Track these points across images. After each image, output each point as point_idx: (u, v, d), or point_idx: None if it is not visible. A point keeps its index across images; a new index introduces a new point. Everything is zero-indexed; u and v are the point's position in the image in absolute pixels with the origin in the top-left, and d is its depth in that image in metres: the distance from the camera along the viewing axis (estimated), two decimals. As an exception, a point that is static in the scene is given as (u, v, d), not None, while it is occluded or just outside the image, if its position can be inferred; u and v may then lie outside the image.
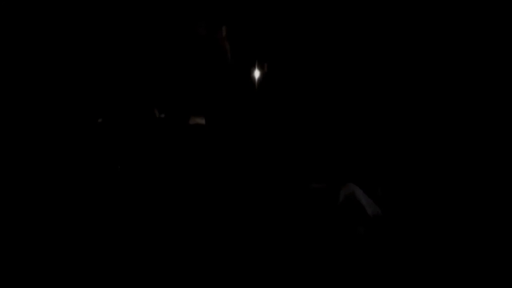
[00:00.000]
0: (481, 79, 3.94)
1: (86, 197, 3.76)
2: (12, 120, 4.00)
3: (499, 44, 3.95)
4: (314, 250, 3.35)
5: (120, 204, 3.76)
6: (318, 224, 3.41)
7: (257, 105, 4.37)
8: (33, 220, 3.66)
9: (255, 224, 3.64)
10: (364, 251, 3.27)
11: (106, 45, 4.27)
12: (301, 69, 4.35)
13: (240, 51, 4.46)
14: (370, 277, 3.22)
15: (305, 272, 3.30)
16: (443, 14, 4.11)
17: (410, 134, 4.00)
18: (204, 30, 4.43)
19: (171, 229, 3.65)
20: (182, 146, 4.15)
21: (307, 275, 3.29)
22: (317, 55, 4.31)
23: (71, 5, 4.25)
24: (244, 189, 3.93)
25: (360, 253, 3.27)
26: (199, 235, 3.64)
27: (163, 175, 3.98)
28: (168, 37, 4.41)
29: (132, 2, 4.37)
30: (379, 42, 4.21)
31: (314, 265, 3.31)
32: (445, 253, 3.35)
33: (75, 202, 3.73)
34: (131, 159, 4.02)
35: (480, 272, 3.23)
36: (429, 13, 4.15)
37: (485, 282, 3.21)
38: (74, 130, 4.09)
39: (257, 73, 4.42)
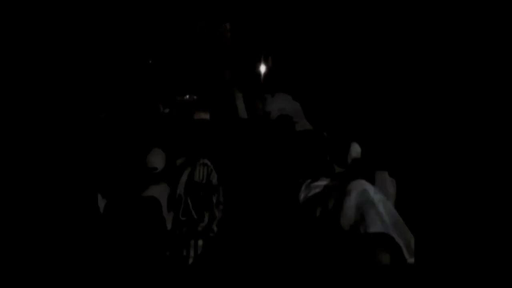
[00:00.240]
0: (481, 79, 3.91)
1: (86, 195, 3.72)
2: (12, 118, 3.99)
3: (499, 44, 3.92)
4: (322, 246, 3.32)
5: (121, 201, 3.71)
6: (326, 221, 3.37)
7: (262, 101, 4.38)
8: (33, 219, 3.62)
9: (260, 221, 3.62)
10: (375, 248, 3.22)
11: (110, 42, 4.35)
12: (305, 65, 4.39)
13: (242, 47, 4.51)
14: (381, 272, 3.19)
15: (310, 268, 3.28)
16: (443, 14, 4.10)
17: (417, 130, 3.98)
18: (207, 27, 4.50)
19: (172, 226, 3.63)
20: (187, 141, 4.12)
21: (317, 271, 3.28)
22: (322, 52, 4.39)
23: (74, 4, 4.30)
24: (249, 184, 3.90)
25: (372, 249, 3.21)
26: (203, 232, 3.62)
27: (167, 170, 3.94)
28: (172, 34, 4.47)
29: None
30: (379, 41, 4.25)
31: (322, 262, 3.29)
32: (451, 252, 3.32)
33: (75, 200, 3.70)
34: (133, 155, 3.96)
35: (483, 271, 3.20)
36: (428, 13, 4.14)
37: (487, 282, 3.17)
38: (76, 126, 4.07)
39: (261, 68, 4.41)
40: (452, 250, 3.33)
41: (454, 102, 3.93)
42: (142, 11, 4.49)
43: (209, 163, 3.90)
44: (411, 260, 3.21)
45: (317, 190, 3.53)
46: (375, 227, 3.18)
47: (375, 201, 3.27)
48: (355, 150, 3.69)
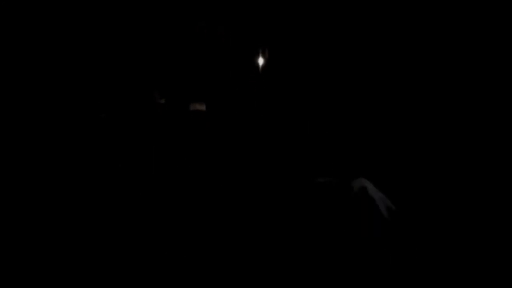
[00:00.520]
0: (481, 79, 3.93)
1: (87, 193, 3.73)
2: (12, 118, 3.98)
3: (498, 44, 3.95)
4: (324, 245, 3.29)
5: (121, 199, 3.72)
6: (327, 219, 3.34)
7: (263, 97, 4.35)
8: (33, 219, 3.62)
9: (260, 220, 3.58)
10: (377, 247, 3.19)
11: (106, 37, 4.30)
12: (307, 63, 4.36)
13: (240, 42, 4.45)
14: (380, 272, 3.16)
15: (314, 268, 3.25)
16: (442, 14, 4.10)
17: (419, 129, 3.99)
18: (203, 22, 4.44)
19: (173, 223, 3.60)
20: (183, 133, 4.12)
21: (316, 271, 3.24)
22: (324, 49, 4.35)
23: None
24: (247, 182, 3.88)
25: (373, 249, 3.19)
26: (201, 229, 3.58)
27: (165, 166, 3.95)
28: (167, 29, 4.42)
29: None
30: (380, 41, 4.21)
31: (323, 261, 3.25)
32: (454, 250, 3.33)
33: (76, 199, 3.70)
34: (133, 151, 3.97)
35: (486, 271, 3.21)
36: (428, 13, 4.14)
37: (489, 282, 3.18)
38: (76, 126, 4.05)
39: (260, 61, 4.37)
40: (451, 250, 3.33)
41: (451, 103, 3.95)
42: (142, 11, 4.42)
43: None
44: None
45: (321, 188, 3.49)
46: (376, 227, 3.17)
47: (375, 199, 3.24)
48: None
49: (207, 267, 3.40)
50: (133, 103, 4.24)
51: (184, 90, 4.42)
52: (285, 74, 4.40)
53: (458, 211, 3.52)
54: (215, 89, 4.42)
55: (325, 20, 4.36)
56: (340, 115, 4.21)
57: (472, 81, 3.96)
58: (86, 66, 4.27)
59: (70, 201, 3.74)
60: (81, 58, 4.26)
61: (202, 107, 4.18)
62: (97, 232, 3.57)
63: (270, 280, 3.28)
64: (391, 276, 3.15)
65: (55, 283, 3.30)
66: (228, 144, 4.17)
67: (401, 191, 3.59)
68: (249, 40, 4.44)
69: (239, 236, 3.56)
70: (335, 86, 4.30)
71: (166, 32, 4.45)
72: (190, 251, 3.50)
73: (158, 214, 3.70)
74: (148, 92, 4.31)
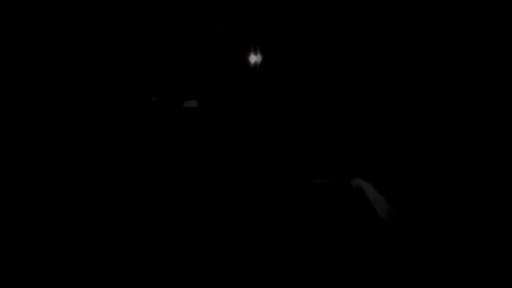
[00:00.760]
0: (480, 79, 3.94)
1: (86, 194, 3.73)
2: (13, 118, 3.97)
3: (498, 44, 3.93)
4: (320, 246, 3.26)
5: (120, 199, 3.72)
6: (325, 220, 3.30)
7: (260, 96, 4.30)
8: (33, 219, 3.63)
9: (257, 220, 3.56)
10: (373, 247, 3.17)
11: (109, 42, 4.26)
12: (304, 63, 4.34)
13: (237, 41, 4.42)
14: (378, 273, 3.13)
15: (311, 269, 3.23)
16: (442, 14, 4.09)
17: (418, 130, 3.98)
18: (207, 27, 4.42)
19: (173, 222, 3.60)
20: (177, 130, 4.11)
21: (313, 272, 3.22)
22: (320, 51, 4.33)
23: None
24: (242, 181, 3.85)
25: (369, 249, 3.16)
26: (198, 227, 3.57)
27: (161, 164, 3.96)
28: (162, 29, 4.38)
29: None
30: (379, 42, 4.23)
31: (319, 262, 3.23)
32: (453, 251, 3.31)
33: (75, 199, 3.73)
34: (131, 149, 3.99)
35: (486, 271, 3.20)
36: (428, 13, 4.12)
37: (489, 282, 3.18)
38: (76, 126, 4.02)
39: (256, 60, 4.35)
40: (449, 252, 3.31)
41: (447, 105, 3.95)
42: (141, 11, 4.39)
43: None
44: None
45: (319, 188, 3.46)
46: (375, 227, 3.16)
47: (371, 200, 3.22)
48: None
49: (204, 266, 3.37)
50: (129, 101, 4.21)
51: (178, 87, 4.39)
52: (282, 73, 4.39)
53: (456, 213, 3.53)
54: (209, 87, 4.40)
55: (322, 21, 4.35)
56: (338, 115, 4.19)
57: (466, 85, 3.94)
58: (83, 66, 4.26)
59: (70, 199, 3.77)
60: (77, 58, 4.27)
61: (193, 104, 4.16)
62: (96, 230, 3.58)
63: (270, 280, 3.26)
64: (391, 276, 3.12)
65: (55, 283, 3.29)
66: (222, 142, 4.14)
67: (399, 191, 3.59)
68: (246, 40, 4.43)
69: (236, 235, 3.54)
70: (333, 86, 4.29)
71: (163, 32, 4.43)
72: (188, 250, 3.48)
73: (157, 212, 3.71)
74: (142, 90, 4.30)
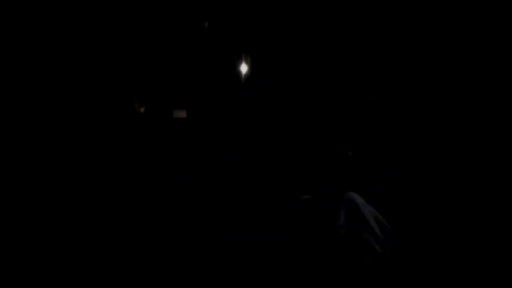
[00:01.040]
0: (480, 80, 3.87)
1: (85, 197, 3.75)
2: (13, 119, 3.94)
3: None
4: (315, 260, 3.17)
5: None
6: (316, 235, 3.22)
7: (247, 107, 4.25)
8: (33, 219, 3.65)
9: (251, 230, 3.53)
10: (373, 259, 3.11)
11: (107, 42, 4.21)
12: (294, 71, 4.29)
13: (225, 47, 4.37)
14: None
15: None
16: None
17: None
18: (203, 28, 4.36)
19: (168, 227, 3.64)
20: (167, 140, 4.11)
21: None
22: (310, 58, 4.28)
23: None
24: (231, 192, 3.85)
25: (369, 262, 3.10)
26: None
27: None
28: (154, 33, 4.32)
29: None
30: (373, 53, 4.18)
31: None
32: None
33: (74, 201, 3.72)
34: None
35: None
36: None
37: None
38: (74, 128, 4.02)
39: (244, 69, 4.27)
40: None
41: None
42: (141, 12, 4.31)
43: None
44: None
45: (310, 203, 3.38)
46: (370, 242, 3.11)
47: (365, 213, 3.18)
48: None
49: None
50: (115, 110, 4.14)
51: (166, 97, 4.31)
52: (272, 83, 4.31)
53: (451, 226, 3.46)
54: (198, 97, 4.32)
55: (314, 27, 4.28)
56: (329, 127, 4.14)
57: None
58: (85, 68, 4.17)
59: (68, 201, 3.77)
60: (79, 58, 4.17)
61: (183, 114, 4.13)
62: (93, 232, 3.60)
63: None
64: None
65: (55, 283, 3.28)
66: (212, 154, 4.08)
67: (394, 206, 3.51)
68: (234, 47, 4.37)
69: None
70: (324, 97, 4.23)
71: (150, 39, 4.35)
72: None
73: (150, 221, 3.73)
74: (129, 100, 4.22)
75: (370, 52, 4.22)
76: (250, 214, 3.73)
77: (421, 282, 3.14)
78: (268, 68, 4.32)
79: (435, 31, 4.01)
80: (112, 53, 4.20)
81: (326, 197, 3.30)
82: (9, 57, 4.02)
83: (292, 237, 3.20)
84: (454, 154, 3.82)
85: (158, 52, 4.33)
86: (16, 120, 3.97)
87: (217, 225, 3.74)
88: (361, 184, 3.59)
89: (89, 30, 4.15)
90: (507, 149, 3.72)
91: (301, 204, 3.32)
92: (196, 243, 3.56)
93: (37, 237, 3.60)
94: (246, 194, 3.89)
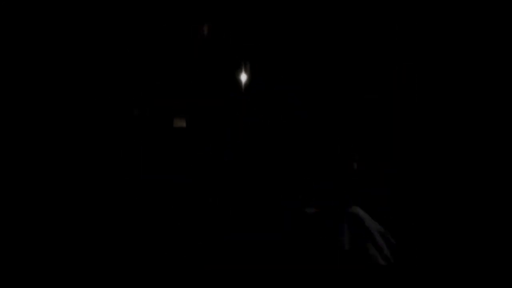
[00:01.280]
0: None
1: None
2: (13, 120, 3.94)
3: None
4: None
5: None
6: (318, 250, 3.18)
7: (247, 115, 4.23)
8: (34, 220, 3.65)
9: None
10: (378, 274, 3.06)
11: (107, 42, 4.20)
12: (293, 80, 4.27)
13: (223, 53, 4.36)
14: None
15: None
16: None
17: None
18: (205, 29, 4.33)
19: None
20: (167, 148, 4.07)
21: None
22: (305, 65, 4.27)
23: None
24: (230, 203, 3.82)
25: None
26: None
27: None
28: (152, 40, 4.30)
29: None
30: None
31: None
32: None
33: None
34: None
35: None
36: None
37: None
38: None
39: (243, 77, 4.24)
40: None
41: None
42: (140, 12, 4.28)
43: None
44: None
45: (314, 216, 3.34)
46: (376, 259, 3.07)
47: (371, 231, 3.13)
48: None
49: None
50: (114, 117, 4.14)
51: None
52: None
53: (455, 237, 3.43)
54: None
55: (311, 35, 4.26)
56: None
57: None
58: (84, 68, 4.16)
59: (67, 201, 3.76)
60: (79, 59, 4.15)
61: (182, 123, 4.11)
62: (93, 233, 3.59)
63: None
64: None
65: (55, 283, 3.25)
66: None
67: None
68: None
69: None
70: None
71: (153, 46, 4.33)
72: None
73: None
74: (129, 100, 4.19)
75: (370, 52, 4.19)
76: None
77: (421, 281, 3.12)
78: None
79: (435, 31, 3.99)
80: (113, 54, 4.18)
81: (331, 212, 3.25)
82: (10, 59, 4.01)
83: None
84: (454, 154, 3.80)
85: (158, 52, 4.31)
86: (17, 121, 3.96)
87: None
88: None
89: (90, 32, 4.13)
90: (507, 149, 3.70)
91: (304, 218, 3.27)
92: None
93: (37, 237, 3.58)
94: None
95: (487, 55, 3.84)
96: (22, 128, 3.95)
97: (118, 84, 4.18)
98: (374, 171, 3.96)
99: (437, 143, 3.85)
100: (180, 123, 4.11)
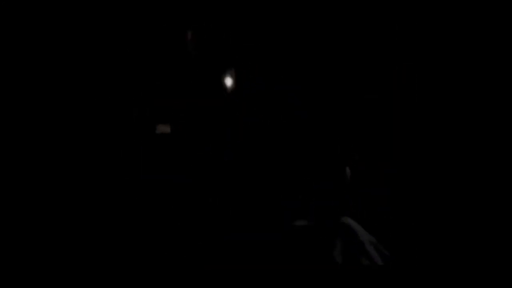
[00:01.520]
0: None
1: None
2: (12, 120, 3.93)
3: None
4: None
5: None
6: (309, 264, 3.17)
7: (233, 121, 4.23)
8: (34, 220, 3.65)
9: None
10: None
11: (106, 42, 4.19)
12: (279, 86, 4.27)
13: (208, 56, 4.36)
14: None
15: None
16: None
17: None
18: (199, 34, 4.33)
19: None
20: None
21: None
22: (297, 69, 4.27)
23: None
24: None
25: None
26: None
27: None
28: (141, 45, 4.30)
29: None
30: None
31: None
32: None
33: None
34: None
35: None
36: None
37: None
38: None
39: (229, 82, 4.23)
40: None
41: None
42: (140, 12, 4.28)
43: None
44: None
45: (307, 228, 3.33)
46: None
47: (365, 244, 3.12)
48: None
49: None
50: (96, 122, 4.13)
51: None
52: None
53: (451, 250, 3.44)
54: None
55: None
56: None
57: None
58: (84, 68, 4.15)
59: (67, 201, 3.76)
60: (79, 59, 4.15)
61: (167, 129, 4.09)
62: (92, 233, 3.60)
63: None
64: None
65: (55, 283, 3.27)
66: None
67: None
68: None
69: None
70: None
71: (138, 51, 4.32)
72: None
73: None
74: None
75: (370, 52, 4.19)
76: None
77: (421, 281, 3.12)
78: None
79: (435, 31, 3.99)
80: (112, 54, 4.18)
81: (322, 225, 3.22)
82: (9, 59, 4.01)
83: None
84: (454, 154, 3.80)
85: (157, 52, 4.31)
86: (16, 120, 3.96)
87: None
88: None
89: (89, 32, 4.13)
90: (507, 149, 3.70)
91: (293, 232, 3.25)
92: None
93: (37, 237, 3.59)
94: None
95: (487, 55, 3.84)
96: (21, 128, 3.95)
97: (118, 84, 4.17)
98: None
99: (437, 143, 3.85)
100: (164, 129, 4.09)
